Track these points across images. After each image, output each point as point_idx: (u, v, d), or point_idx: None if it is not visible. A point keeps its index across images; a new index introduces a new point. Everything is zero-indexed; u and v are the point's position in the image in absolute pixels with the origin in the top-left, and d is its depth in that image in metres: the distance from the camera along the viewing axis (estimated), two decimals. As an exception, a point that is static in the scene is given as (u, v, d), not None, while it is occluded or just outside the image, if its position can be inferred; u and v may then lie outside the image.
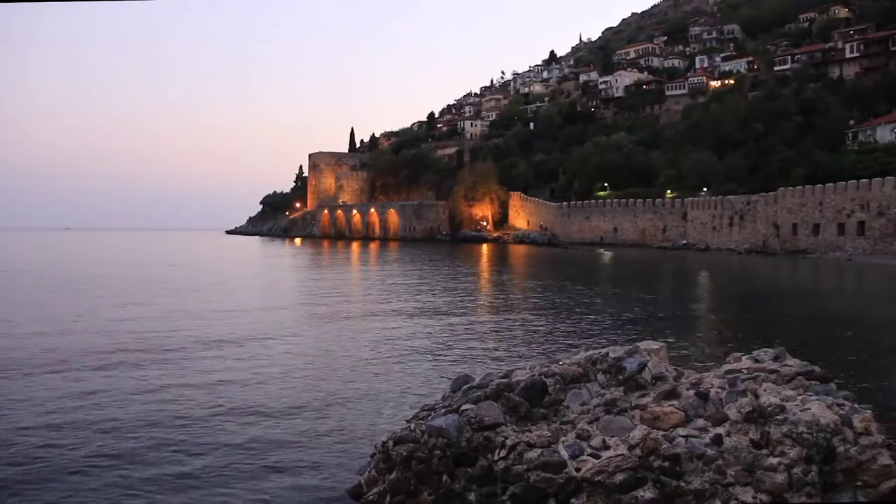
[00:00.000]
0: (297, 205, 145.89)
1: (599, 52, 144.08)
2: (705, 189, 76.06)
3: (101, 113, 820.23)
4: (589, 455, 5.39)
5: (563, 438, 5.61)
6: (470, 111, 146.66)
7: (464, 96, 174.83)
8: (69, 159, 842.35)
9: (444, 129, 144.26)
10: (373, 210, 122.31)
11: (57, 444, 8.72)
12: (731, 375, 6.05)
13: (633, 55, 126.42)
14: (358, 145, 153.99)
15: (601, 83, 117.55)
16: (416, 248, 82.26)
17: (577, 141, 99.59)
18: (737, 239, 67.51)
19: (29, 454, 8.35)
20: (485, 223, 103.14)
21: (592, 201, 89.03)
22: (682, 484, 5.13)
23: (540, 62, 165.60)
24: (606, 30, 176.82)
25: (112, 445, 8.71)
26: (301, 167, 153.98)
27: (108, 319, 20.45)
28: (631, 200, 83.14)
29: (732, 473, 5.12)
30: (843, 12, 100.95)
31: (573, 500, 5.27)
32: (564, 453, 5.46)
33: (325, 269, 49.06)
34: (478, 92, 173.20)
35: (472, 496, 5.69)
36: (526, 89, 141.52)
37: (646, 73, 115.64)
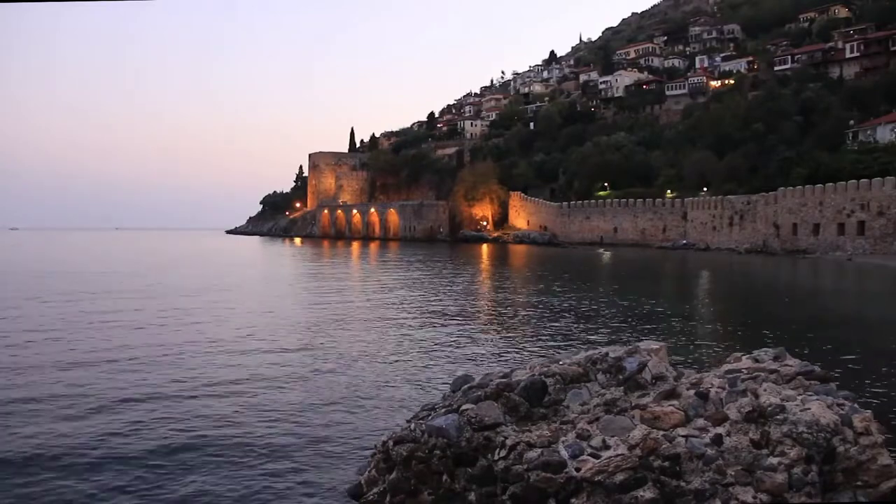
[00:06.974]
0: (298, 205, 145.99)
1: (599, 52, 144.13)
2: (705, 189, 76.10)
3: (100, 113, 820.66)
4: (589, 455, 5.39)
5: (563, 438, 5.61)
6: (470, 111, 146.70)
7: (464, 96, 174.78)
8: (70, 159, 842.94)
9: (444, 129, 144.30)
10: (373, 210, 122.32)
11: (56, 445, 8.73)
12: (731, 375, 6.05)
13: (633, 55, 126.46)
14: (358, 145, 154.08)
15: (601, 83, 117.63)
16: (416, 248, 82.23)
17: (577, 141, 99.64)
18: (737, 239, 67.52)
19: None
20: (485, 223, 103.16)
21: (592, 201, 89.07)
22: (682, 484, 5.13)
23: (540, 62, 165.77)
24: (606, 30, 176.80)
25: (112, 444, 8.71)
26: (301, 167, 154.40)
27: (115, 320, 20.48)
28: (631, 200, 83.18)
29: (732, 473, 5.12)
30: (843, 12, 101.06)
31: (573, 500, 5.27)
32: (564, 453, 5.45)
33: (325, 269, 49.04)
34: (478, 92, 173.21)
35: (472, 496, 5.69)
36: (526, 89, 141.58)
37: (646, 73, 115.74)
